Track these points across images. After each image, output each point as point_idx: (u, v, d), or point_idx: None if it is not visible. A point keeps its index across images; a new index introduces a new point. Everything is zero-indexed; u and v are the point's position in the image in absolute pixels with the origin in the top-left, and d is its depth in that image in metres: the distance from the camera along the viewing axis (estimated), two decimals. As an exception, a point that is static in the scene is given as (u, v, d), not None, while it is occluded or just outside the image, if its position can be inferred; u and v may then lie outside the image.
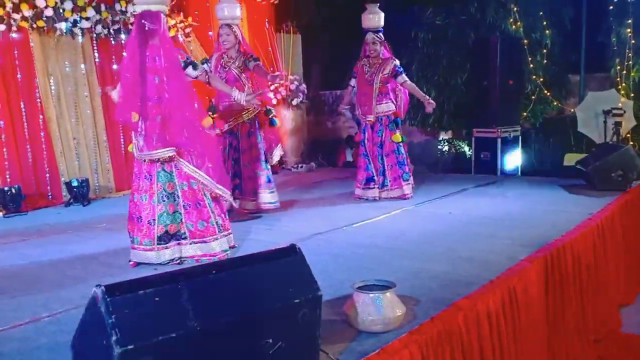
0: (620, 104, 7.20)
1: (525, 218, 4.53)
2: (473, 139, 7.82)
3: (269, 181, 5.07)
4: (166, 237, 3.62)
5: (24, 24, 5.76)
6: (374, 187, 5.54)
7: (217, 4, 5.08)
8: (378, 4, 5.56)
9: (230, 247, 3.83)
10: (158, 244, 3.59)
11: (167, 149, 3.56)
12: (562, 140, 8.02)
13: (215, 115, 4.67)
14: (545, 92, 8.04)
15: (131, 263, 3.64)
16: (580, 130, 7.74)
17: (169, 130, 3.57)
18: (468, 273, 3.16)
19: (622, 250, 4.70)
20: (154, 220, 3.59)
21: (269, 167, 5.12)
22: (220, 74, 4.88)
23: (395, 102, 5.60)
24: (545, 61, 8.05)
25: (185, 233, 3.66)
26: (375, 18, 5.48)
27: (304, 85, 8.67)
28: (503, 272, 3.09)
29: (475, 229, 4.25)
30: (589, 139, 7.66)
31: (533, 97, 8.04)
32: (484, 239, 3.92)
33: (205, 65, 4.52)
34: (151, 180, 3.61)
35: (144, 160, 3.61)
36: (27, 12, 5.69)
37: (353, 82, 5.67)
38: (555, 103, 8.13)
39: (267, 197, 5.06)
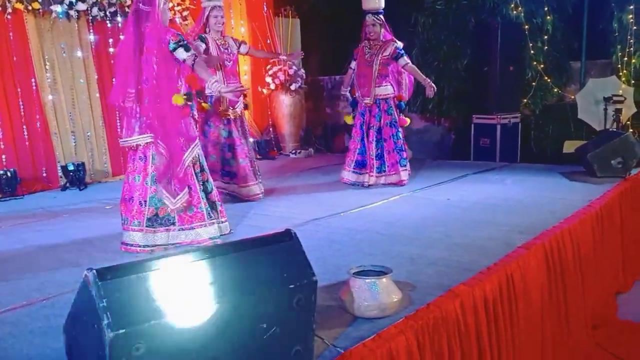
0: (620, 91, 7.15)
1: (524, 205, 4.50)
2: (472, 125, 7.78)
3: (256, 172, 5.11)
4: (156, 220, 3.59)
5: (19, 6, 5.69)
6: (364, 173, 5.50)
7: None
8: None
9: (223, 234, 3.80)
10: (147, 226, 3.57)
11: (145, 135, 3.55)
12: (562, 127, 7.96)
13: (204, 104, 4.66)
14: (546, 78, 7.98)
15: (121, 247, 3.62)
16: (580, 117, 7.68)
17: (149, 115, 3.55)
18: (465, 259, 3.14)
19: (620, 238, 4.68)
20: (145, 201, 3.56)
21: (254, 157, 5.18)
22: (224, 54, 4.88)
23: (397, 85, 5.55)
24: (546, 47, 7.97)
25: (174, 218, 3.63)
26: None
27: (302, 70, 8.60)
28: (501, 259, 3.07)
29: (473, 215, 4.23)
30: (589, 126, 7.61)
31: (533, 83, 7.97)
32: (482, 225, 3.90)
33: (200, 43, 4.51)
34: (145, 161, 3.58)
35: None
36: (22, -7, 5.62)
37: (353, 64, 5.60)
38: (555, 90, 8.07)
39: (255, 188, 5.08)
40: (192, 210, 3.66)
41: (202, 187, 3.72)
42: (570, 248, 3.64)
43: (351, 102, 5.66)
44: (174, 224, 3.63)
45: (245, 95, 5.19)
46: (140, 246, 3.56)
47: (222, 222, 3.84)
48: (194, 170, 3.68)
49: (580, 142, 6.56)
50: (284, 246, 2.08)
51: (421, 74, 5.43)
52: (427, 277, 2.88)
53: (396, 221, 4.14)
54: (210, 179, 3.86)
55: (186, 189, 3.60)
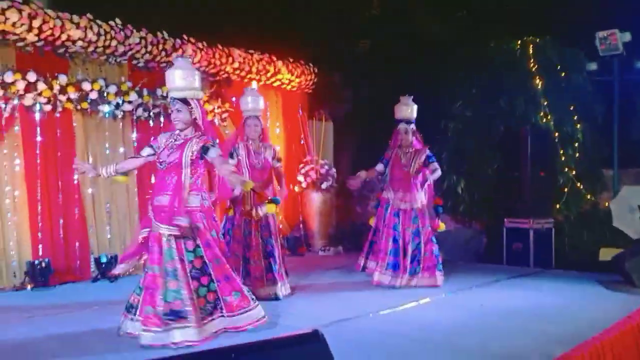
0: (656, 200, 7.04)
1: (561, 313, 4.34)
2: (504, 229, 7.68)
3: (280, 273, 5.09)
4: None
5: (69, 105, 6.03)
6: (397, 275, 5.43)
7: (242, 96, 5.35)
8: (412, 97, 5.72)
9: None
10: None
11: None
12: (597, 234, 7.79)
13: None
14: (579, 185, 7.94)
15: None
16: (615, 225, 7.54)
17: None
18: (501, 370, 3.00)
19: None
20: None
21: (279, 260, 5.15)
22: (255, 160, 5.13)
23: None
24: (577, 154, 8.01)
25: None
26: (408, 109, 5.65)
27: (333, 170, 8.77)
28: (538, 371, 2.92)
29: (508, 323, 4.09)
30: (625, 234, 7.45)
31: (566, 189, 7.94)
32: (517, 334, 3.75)
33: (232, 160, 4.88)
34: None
35: None
36: (73, 94, 5.99)
37: (380, 167, 5.75)
38: (588, 196, 8.00)
39: (281, 289, 5.06)
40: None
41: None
42: (612, 361, 3.45)
43: (376, 205, 5.71)
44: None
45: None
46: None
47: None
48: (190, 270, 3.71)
49: (617, 250, 6.38)
50: (311, 348, 2.03)
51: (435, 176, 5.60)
52: (460, 388, 2.74)
53: (428, 326, 4.02)
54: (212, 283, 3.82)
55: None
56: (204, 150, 3.77)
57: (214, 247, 3.80)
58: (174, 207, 3.70)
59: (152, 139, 4.18)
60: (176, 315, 3.58)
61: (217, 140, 3.92)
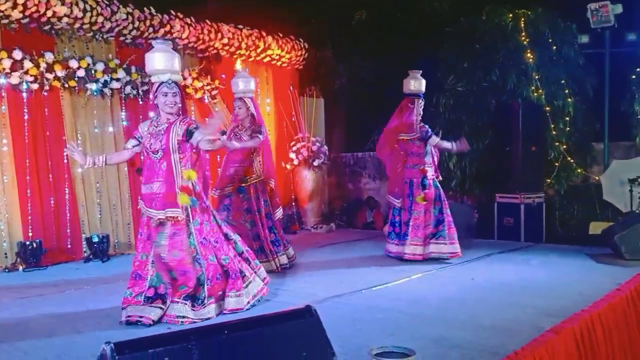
0: (645, 173, 7.09)
1: (551, 287, 4.38)
2: (495, 204, 7.72)
3: (279, 244, 5.28)
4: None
5: (56, 84, 5.96)
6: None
7: (233, 78, 5.38)
8: (421, 71, 5.76)
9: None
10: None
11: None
12: (587, 208, 7.87)
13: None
14: (569, 159, 7.97)
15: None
16: (605, 199, 7.60)
17: None
18: (491, 342, 3.04)
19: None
20: None
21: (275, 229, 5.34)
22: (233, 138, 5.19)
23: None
24: (568, 128, 8.02)
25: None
26: (418, 83, 5.72)
27: (325, 147, 8.75)
28: (529, 343, 2.95)
29: (499, 296, 4.12)
30: (615, 207, 7.51)
31: (556, 164, 7.97)
32: (507, 307, 3.79)
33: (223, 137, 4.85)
34: None
35: None
36: (60, 72, 5.90)
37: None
38: (579, 170, 8.04)
39: (283, 258, 5.26)
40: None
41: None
42: (601, 333, 3.50)
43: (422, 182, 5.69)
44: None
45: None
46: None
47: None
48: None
49: (607, 224, 6.45)
50: (304, 323, 2.04)
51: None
52: (451, 361, 2.77)
53: (420, 300, 4.05)
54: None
55: None
56: (189, 134, 3.75)
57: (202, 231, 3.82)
58: (169, 193, 3.68)
59: (136, 129, 4.11)
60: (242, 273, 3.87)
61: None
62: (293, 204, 8.59)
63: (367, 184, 9.84)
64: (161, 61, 3.79)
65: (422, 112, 5.73)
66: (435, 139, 5.66)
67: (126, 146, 4.07)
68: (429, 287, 4.51)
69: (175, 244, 3.71)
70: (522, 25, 8.09)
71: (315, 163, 8.53)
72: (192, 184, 3.81)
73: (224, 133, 5.28)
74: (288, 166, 8.55)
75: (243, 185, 5.19)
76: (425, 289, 4.42)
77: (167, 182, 3.72)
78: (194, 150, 3.87)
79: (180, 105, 3.85)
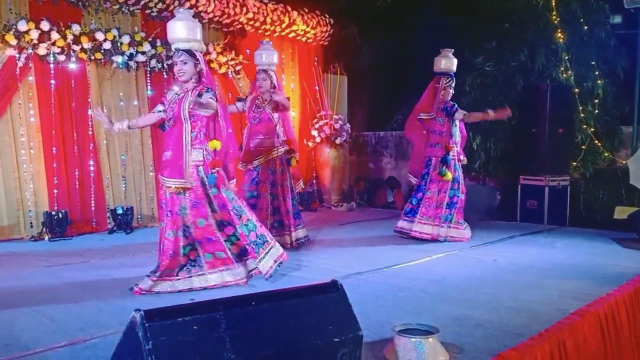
0: (674, 158, 6.92)
1: (575, 270, 4.33)
2: (519, 186, 7.63)
3: (299, 217, 5.36)
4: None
5: (83, 56, 5.99)
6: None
7: (256, 50, 5.36)
8: (452, 50, 5.68)
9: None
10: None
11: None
12: (613, 192, 7.73)
13: None
14: (597, 142, 7.82)
15: None
16: (632, 183, 7.45)
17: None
18: (514, 323, 3.02)
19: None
20: None
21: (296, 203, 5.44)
22: (255, 113, 5.22)
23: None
24: (597, 111, 7.86)
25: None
26: (450, 62, 5.65)
27: (348, 125, 8.70)
28: (553, 325, 2.93)
29: (522, 278, 4.09)
30: (642, 192, 7.37)
31: (583, 147, 7.83)
32: (531, 288, 3.76)
33: (239, 103, 5.22)
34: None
35: None
36: (87, 44, 5.93)
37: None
38: (606, 154, 7.89)
39: (300, 232, 5.31)
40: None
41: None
42: (625, 317, 3.46)
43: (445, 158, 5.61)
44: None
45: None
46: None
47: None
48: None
49: (632, 209, 6.33)
50: (330, 298, 2.05)
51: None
52: (474, 340, 2.76)
53: (441, 280, 4.04)
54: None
55: None
56: (199, 96, 3.69)
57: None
58: (176, 163, 3.67)
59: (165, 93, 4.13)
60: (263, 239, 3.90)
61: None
62: (314, 181, 8.60)
63: (389, 163, 9.79)
64: (177, 30, 3.77)
65: (452, 92, 5.64)
66: (461, 113, 5.56)
67: (153, 110, 4.08)
68: (450, 267, 4.49)
69: (199, 212, 3.75)
70: (553, 3, 7.89)
71: (337, 141, 8.49)
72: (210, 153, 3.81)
73: (240, 100, 5.38)
74: (310, 143, 8.53)
75: (270, 158, 5.19)
76: (446, 269, 4.41)
77: (175, 151, 3.71)
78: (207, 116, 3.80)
79: (193, 73, 3.78)
